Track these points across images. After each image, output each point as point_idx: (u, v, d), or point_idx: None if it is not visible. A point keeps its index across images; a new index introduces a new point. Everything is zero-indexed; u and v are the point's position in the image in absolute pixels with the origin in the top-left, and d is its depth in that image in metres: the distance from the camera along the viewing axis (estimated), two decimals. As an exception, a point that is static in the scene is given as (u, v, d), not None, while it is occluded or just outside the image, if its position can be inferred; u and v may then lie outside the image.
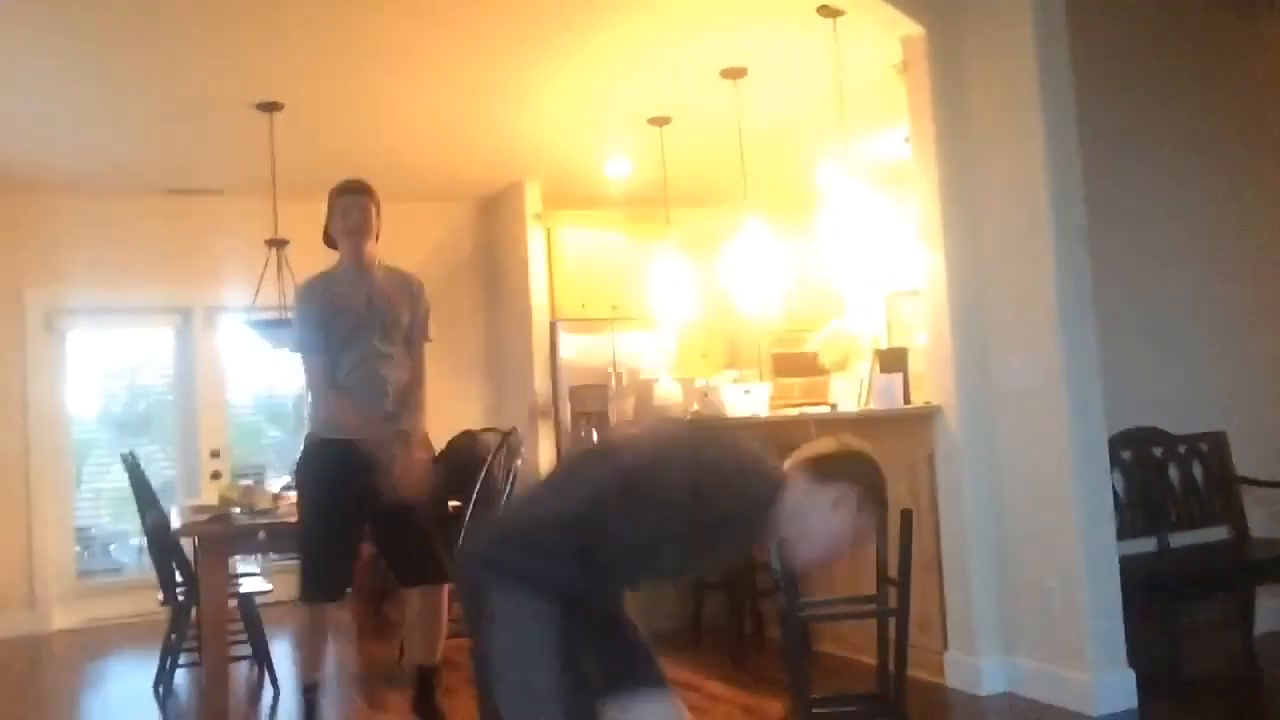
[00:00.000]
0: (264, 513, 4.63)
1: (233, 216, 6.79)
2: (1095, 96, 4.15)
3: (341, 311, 3.59)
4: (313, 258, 6.23)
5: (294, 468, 3.86)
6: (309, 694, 3.66)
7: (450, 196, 7.63)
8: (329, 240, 3.84)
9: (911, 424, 4.21)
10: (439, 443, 5.96)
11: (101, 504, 6.90)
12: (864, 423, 4.54)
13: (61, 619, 6.56)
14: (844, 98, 4.97)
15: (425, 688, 3.78)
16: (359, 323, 3.59)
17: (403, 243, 7.47)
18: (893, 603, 3.69)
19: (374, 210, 3.75)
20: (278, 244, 5.56)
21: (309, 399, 3.77)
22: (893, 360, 4.50)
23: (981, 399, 4.00)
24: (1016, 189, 3.86)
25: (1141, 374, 4.40)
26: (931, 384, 4.17)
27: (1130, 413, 4.26)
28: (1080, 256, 3.77)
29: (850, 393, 4.80)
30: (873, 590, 3.77)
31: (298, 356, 3.69)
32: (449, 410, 7.17)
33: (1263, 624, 4.36)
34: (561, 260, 7.19)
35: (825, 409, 4.95)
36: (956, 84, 4.07)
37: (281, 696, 4.61)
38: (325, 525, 3.54)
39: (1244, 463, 4.49)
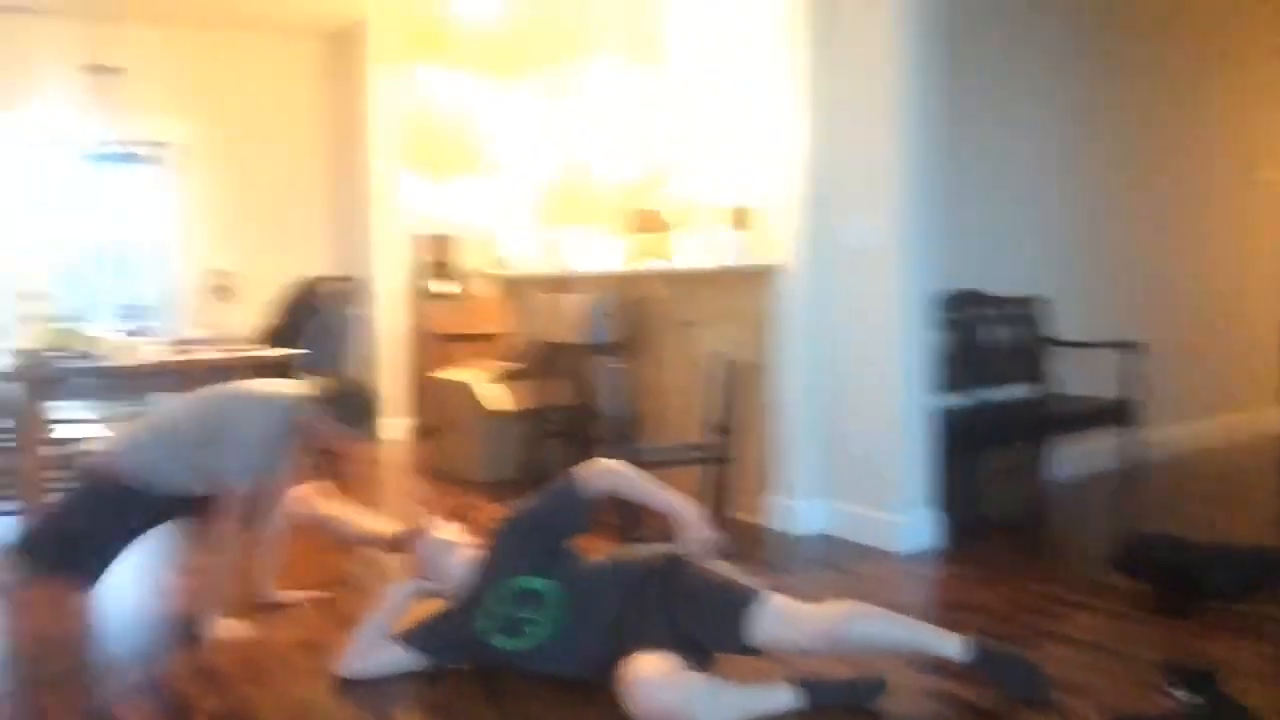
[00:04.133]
0: (88, 356, 4.46)
1: (53, 39, 6.25)
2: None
3: None
4: (144, 89, 5.87)
5: None
6: None
7: (296, 30, 7.20)
8: None
9: (751, 280, 4.31)
10: (280, 289, 5.81)
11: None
12: (706, 278, 4.63)
13: None
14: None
15: None
16: None
17: (245, 78, 7.12)
18: (721, 450, 3.86)
19: None
20: (102, 70, 5.17)
21: None
22: (739, 219, 4.56)
23: (821, 258, 4.11)
24: (876, 55, 3.89)
25: (973, 239, 4.60)
26: (775, 242, 4.25)
27: (959, 275, 4.48)
28: (931, 125, 3.86)
29: (696, 249, 4.86)
30: (702, 438, 3.92)
31: None
32: (289, 255, 6.96)
33: (1057, 471, 4.75)
34: (411, 104, 6.93)
35: (672, 265, 5.00)
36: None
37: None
38: None
39: (1056, 326, 4.80)
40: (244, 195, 7.17)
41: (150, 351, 4.71)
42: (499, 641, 2.72)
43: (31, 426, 4.26)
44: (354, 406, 3.30)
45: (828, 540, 4.09)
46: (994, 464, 4.23)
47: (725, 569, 2.70)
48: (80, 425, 5.09)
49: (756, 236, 4.54)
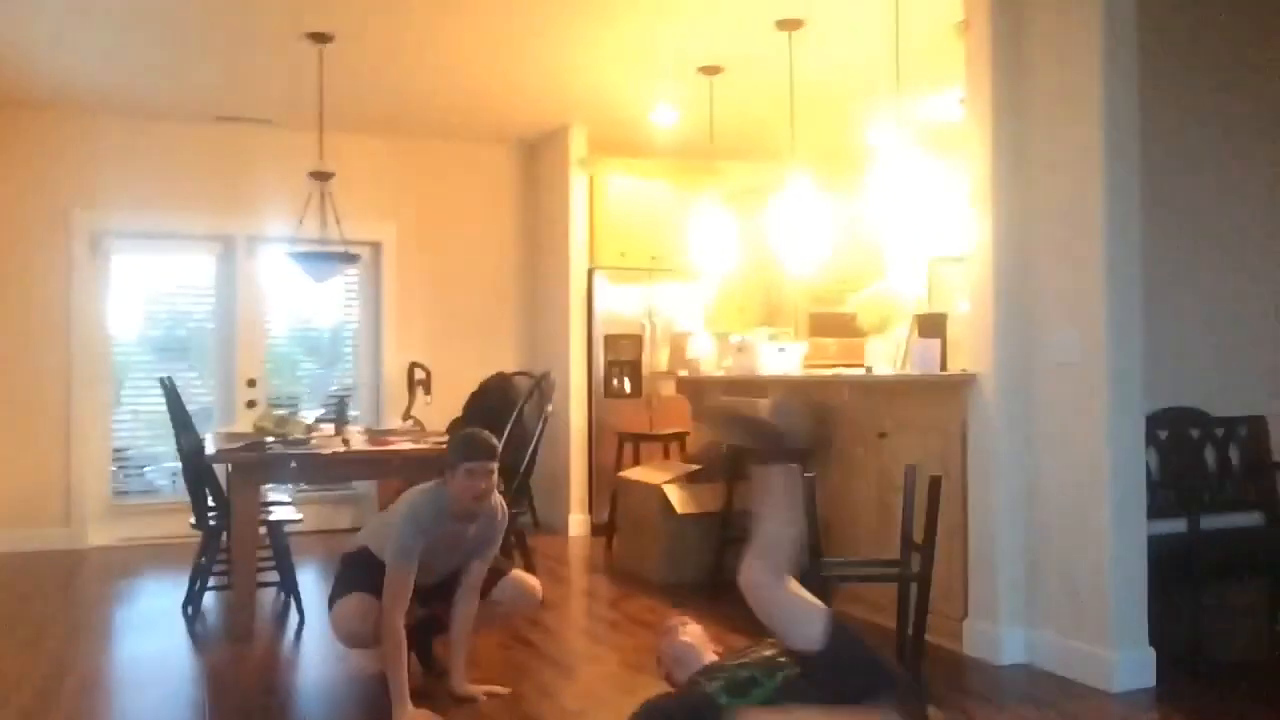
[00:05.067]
0: (297, 443, 4.69)
1: (279, 147, 6.81)
2: (1161, 68, 4.06)
3: None
4: (355, 192, 6.29)
5: None
6: None
7: (495, 138, 7.60)
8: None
9: (947, 391, 4.17)
10: (472, 383, 6.00)
11: (139, 426, 7.01)
12: (898, 387, 4.51)
13: (96, 537, 6.70)
14: (900, 55, 4.88)
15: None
16: None
17: (445, 183, 7.52)
18: (916, 568, 3.69)
19: None
20: (321, 176, 5.57)
21: None
22: (931, 326, 4.44)
23: (1019, 369, 3.95)
24: (1071, 161, 3.77)
25: (1183, 353, 4.32)
26: (970, 352, 4.12)
27: (1169, 391, 4.20)
28: (1132, 233, 3.69)
29: (886, 356, 4.75)
30: (896, 554, 3.77)
31: None
32: (483, 350, 7.22)
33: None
34: (603, 207, 7.16)
35: (860, 371, 4.91)
36: (1017, 47, 3.97)
37: (306, 623, 4.70)
38: None
39: (1283, 449, 4.43)
40: (441, 292, 7.52)
41: (351, 441, 4.93)
42: (722, 698, 2.61)
43: (244, 507, 4.50)
44: (454, 442, 3.53)
45: (1030, 672, 3.82)
46: (1218, 600, 3.89)
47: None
48: (284, 507, 5.35)
49: (952, 345, 4.41)
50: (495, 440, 3.51)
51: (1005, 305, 3.96)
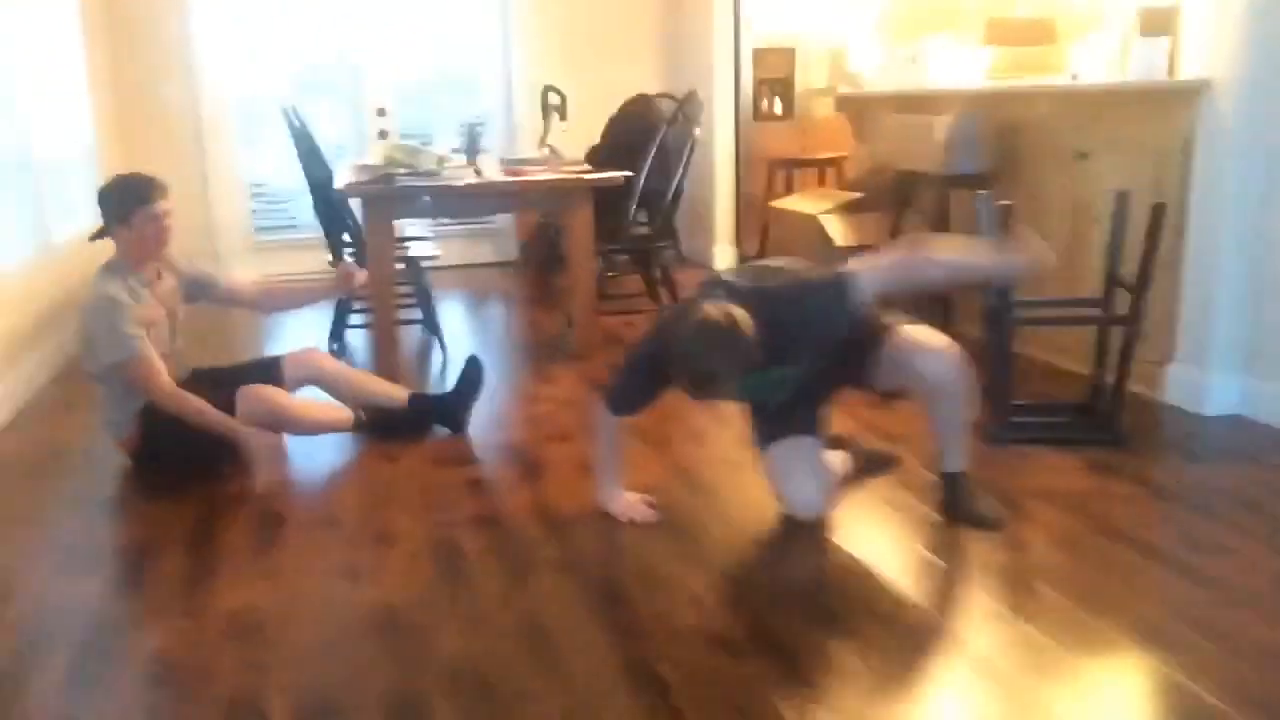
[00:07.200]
0: (429, 175, 4.40)
1: None
2: None
3: None
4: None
5: None
6: None
7: None
8: None
9: (1172, 101, 3.51)
10: (610, 107, 5.53)
11: (273, 161, 6.82)
12: (1109, 98, 3.85)
13: (240, 273, 6.71)
14: None
15: None
16: None
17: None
18: (1126, 310, 3.22)
19: None
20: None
21: None
22: (1157, 22, 3.70)
23: (1268, 73, 3.26)
24: None
25: None
26: (1206, 52, 3.42)
27: None
28: None
29: (1098, 60, 4.03)
30: (1096, 293, 3.30)
31: None
32: (622, 71, 6.68)
33: None
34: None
35: (1063, 79, 4.21)
36: None
37: (449, 359, 4.58)
38: None
39: None
40: (576, 10, 6.92)
41: (486, 171, 4.62)
42: None
43: (378, 242, 4.29)
44: (116, 194, 3.41)
45: (1240, 424, 3.39)
46: None
47: None
48: (422, 243, 5.15)
49: (1180, 45, 3.70)
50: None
51: (1258, -9, 3.22)
